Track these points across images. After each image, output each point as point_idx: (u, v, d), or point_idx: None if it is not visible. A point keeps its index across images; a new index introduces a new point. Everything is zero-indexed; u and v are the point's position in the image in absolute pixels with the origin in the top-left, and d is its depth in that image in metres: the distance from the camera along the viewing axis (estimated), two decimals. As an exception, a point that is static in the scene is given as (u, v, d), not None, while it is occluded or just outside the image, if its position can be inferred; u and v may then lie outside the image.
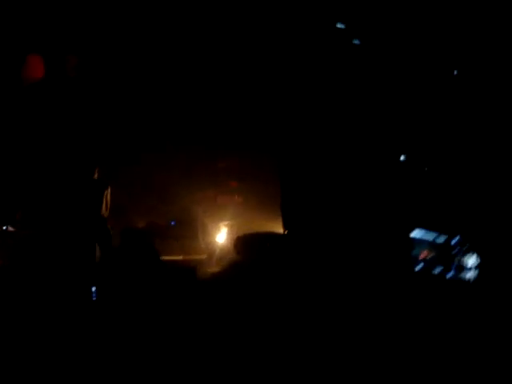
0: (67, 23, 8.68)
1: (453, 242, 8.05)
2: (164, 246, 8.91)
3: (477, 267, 7.78)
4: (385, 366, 5.60)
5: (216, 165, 9.90)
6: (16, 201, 8.56)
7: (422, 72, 8.35)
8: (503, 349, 5.71)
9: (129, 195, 9.27)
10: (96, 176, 8.36)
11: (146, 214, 9.44)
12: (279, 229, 8.89)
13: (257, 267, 7.89)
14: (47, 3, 8.66)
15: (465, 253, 7.91)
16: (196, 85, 9.47)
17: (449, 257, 7.96)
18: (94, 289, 7.46)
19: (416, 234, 8.16)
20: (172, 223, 9.48)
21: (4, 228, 8.51)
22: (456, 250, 7.98)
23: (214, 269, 8.51)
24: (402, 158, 8.54)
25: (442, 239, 8.12)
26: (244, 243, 8.67)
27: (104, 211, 8.30)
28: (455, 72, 8.33)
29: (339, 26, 8.34)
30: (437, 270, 7.99)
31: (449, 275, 7.90)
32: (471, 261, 7.86)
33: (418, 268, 8.03)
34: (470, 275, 7.82)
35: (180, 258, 9.00)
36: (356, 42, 8.32)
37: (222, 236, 9.45)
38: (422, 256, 8.09)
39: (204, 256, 9.11)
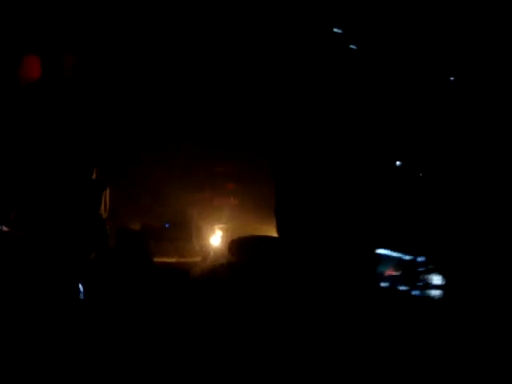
0: (64, 22, 8.67)
1: (418, 259, 8.11)
2: (158, 248, 8.93)
3: (441, 287, 7.84)
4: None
5: (213, 167, 9.89)
6: (10, 200, 8.55)
7: (418, 78, 8.33)
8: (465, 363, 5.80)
9: (124, 196, 9.26)
10: (94, 176, 8.36)
11: (140, 215, 9.44)
12: (274, 233, 8.88)
13: (250, 270, 7.89)
14: (43, 2, 8.67)
15: (430, 272, 7.97)
16: (196, 86, 9.46)
17: (414, 274, 8.03)
18: (81, 287, 7.50)
19: (382, 250, 8.21)
20: (166, 225, 9.48)
21: None
22: (421, 269, 8.04)
23: (207, 271, 8.50)
24: (398, 163, 8.52)
25: (407, 257, 8.18)
26: (239, 246, 8.66)
27: (102, 212, 8.30)
28: (452, 78, 8.30)
29: (336, 30, 8.32)
30: (402, 287, 8.02)
31: (414, 293, 7.97)
32: (436, 280, 7.93)
33: (383, 284, 8.06)
34: (434, 294, 7.88)
35: (174, 260, 9.00)
36: (353, 46, 8.30)
37: (216, 239, 9.44)
38: (387, 273, 8.14)
39: (198, 258, 9.10)
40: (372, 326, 6.51)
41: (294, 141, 8.66)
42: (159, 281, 7.96)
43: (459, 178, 8.10)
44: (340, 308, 6.86)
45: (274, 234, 8.86)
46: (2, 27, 8.46)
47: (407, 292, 8.01)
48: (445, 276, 7.85)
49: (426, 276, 8.02)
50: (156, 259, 8.51)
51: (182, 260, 9.01)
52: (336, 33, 8.35)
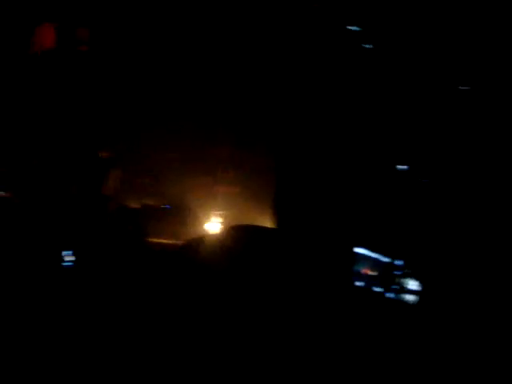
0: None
1: (396, 262, 8.14)
2: (156, 228, 8.98)
3: (417, 292, 7.88)
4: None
5: (215, 154, 9.92)
6: (15, 168, 8.60)
7: (431, 81, 8.38)
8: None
9: (126, 175, 9.31)
10: (101, 154, 8.42)
11: (141, 195, 9.48)
12: (270, 224, 8.93)
13: (245, 258, 7.92)
14: None
15: (406, 276, 8.00)
16: (204, 70, 9.49)
17: (390, 277, 8.06)
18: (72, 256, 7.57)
19: (359, 249, 8.23)
20: (167, 206, 9.52)
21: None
22: (398, 272, 8.07)
23: (201, 255, 8.52)
24: (400, 167, 8.58)
25: (385, 259, 8.21)
26: (236, 234, 8.69)
27: (107, 190, 8.35)
28: (465, 85, 8.35)
29: (351, 28, 8.37)
30: (376, 288, 8.04)
31: (388, 295, 7.99)
32: (411, 285, 7.96)
33: (358, 283, 8.07)
34: (408, 298, 7.92)
35: (170, 242, 9.03)
36: (367, 45, 8.35)
37: (213, 225, 9.47)
38: (363, 272, 8.16)
39: (193, 242, 9.12)
40: (343, 324, 6.52)
41: (299, 135, 8.72)
42: (151, 261, 8.00)
43: (447, 187, 8.17)
44: (317, 301, 6.88)
45: (270, 226, 8.93)
46: None
47: (381, 293, 8.03)
48: (422, 282, 7.85)
49: (401, 280, 8.03)
50: (152, 239, 8.56)
51: (178, 242, 9.02)
52: (351, 30, 8.42)
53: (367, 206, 8.26)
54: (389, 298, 7.99)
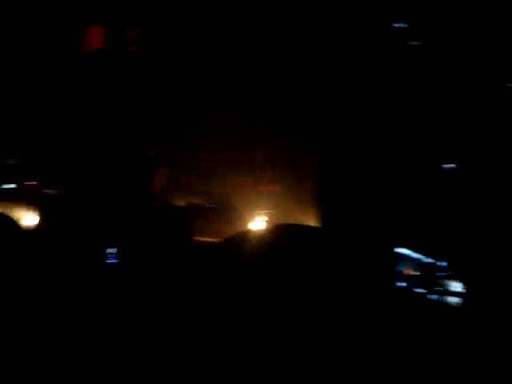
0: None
1: (439, 264, 8.04)
2: (201, 227, 9.06)
3: (460, 294, 7.76)
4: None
5: (259, 155, 9.97)
6: (63, 166, 8.75)
7: (475, 82, 8.32)
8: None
9: (173, 174, 9.42)
10: (149, 153, 8.54)
11: (186, 193, 9.57)
12: (314, 223, 8.95)
13: (290, 256, 7.95)
14: None
15: (450, 278, 7.90)
16: (251, 73, 9.54)
17: (433, 278, 7.95)
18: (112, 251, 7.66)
19: (402, 250, 8.15)
20: (212, 205, 9.59)
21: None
22: (441, 273, 7.96)
23: (244, 250, 8.57)
24: (448, 166, 8.51)
25: (428, 259, 8.11)
26: (281, 233, 8.72)
27: (154, 188, 8.45)
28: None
29: (398, 25, 8.34)
30: (419, 289, 7.94)
31: (430, 296, 7.89)
32: (455, 287, 7.85)
33: (400, 284, 7.99)
34: (451, 301, 7.81)
35: (215, 240, 9.09)
36: (414, 43, 8.31)
37: (257, 224, 9.52)
38: (405, 272, 8.07)
39: (236, 237, 9.17)
40: (381, 324, 6.49)
41: (343, 135, 8.72)
42: (196, 259, 8.07)
43: (495, 187, 8.07)
44: (358, 300, 6.87)
45: (314, 225, 8.95)
46: None
47: (423, 295, 7.94)
48: (466, 285, 7.75)
49: (445, 281, 7.93)
50: (198, 238, 8.64)
51: (221, 241, 9.08)
52: (398, 28, 8.39)
53: (411, 206, 8.21)
54: (431, 300, 7.90)
